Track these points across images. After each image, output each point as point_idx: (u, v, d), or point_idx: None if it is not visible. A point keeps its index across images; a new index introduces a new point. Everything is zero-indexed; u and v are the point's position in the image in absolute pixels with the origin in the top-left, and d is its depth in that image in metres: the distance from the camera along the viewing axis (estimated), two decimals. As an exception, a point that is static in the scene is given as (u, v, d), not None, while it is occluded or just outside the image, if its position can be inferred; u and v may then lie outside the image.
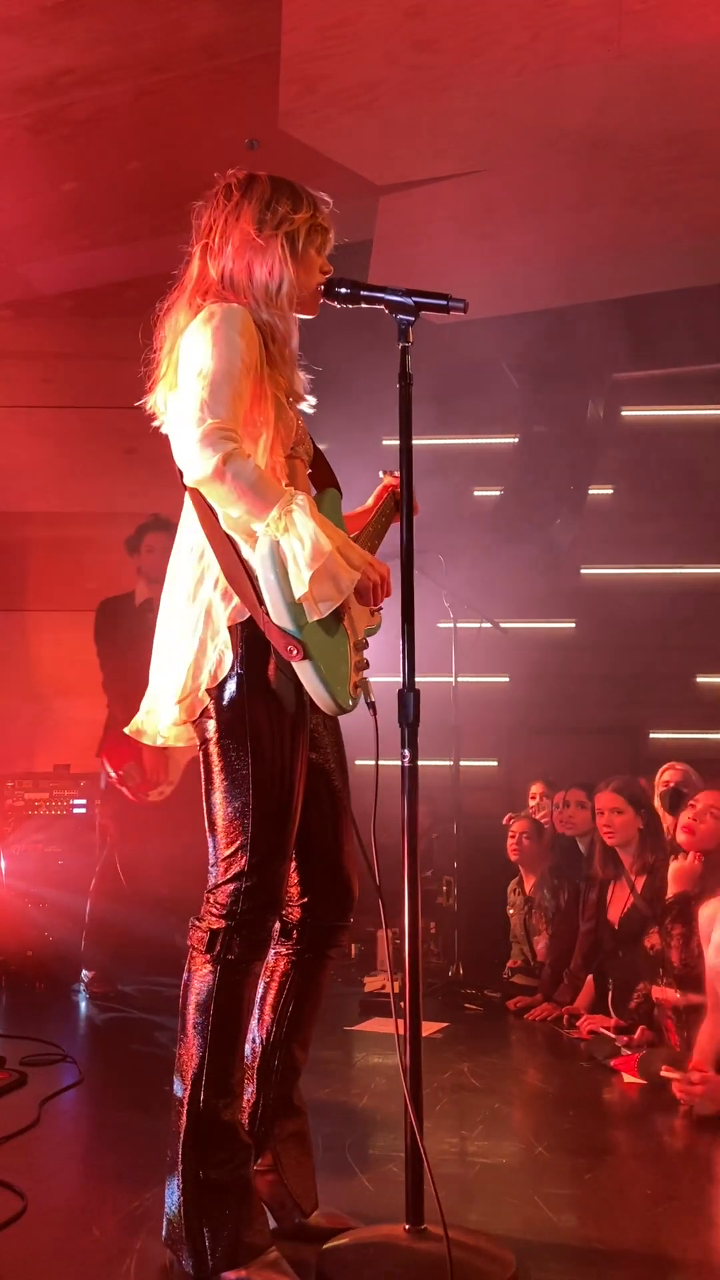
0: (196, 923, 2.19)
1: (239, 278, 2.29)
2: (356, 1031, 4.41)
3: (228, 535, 2.17)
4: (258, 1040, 2.35)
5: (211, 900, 2.18)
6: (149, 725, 2.29)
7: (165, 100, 4.90)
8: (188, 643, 2.21)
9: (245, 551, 2.15)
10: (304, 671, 2.12)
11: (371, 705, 2.26)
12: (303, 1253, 2.19)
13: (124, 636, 4.90)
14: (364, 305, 2.43)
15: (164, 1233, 2.12)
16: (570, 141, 4.98)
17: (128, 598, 5.14)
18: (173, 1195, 2.10)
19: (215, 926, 2.16)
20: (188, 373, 2.15)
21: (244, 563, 2.15)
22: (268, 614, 2.10)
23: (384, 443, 6.67)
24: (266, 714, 2.18)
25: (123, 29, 4.50)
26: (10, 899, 5.46)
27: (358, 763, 7.75)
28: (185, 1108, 2.12)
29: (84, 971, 5.05)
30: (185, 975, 2.18)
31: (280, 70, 4.62)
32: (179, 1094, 2.14)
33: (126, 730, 2.34)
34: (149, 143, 5.14)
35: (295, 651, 2.08)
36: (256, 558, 2.09)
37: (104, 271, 6.09)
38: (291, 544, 2.06)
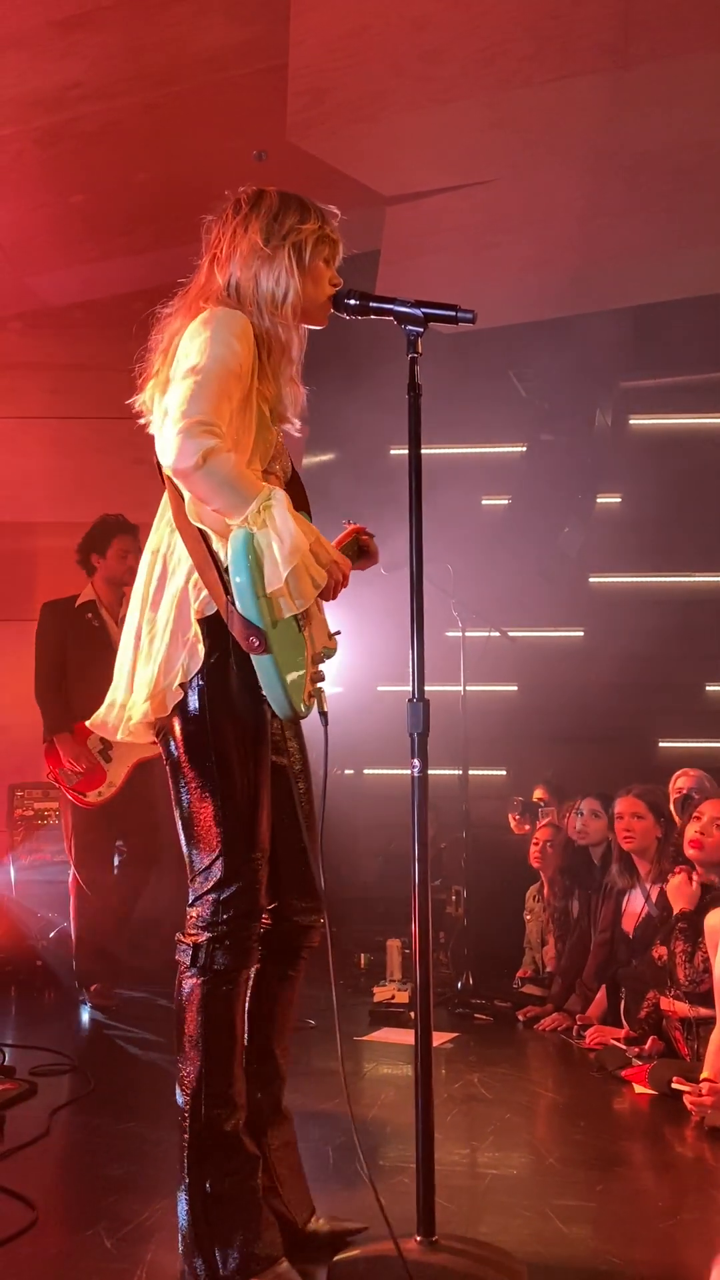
0: (181, 938, 2.18)
1: (245, 286, 2.31)
2: (366, 1041, 4.40)
3: (199, 529, 2.17)
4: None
5: (194, 914, 2.17)
6: (113, 718, 2.28)
7: (173, 113, 4.93)
8: (160, 638, 2.21)
9: (215, 545, 2.16)
10: (262, 666, 2.09)
11: (324, 715, 2.24)
12: (310, 1262, 2.19)
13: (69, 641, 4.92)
14: (372, 316, 2.44)
15: (180, 1246, 2.12)
16: (577, 151, 5.00)
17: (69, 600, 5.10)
18: (182, 1208, 2.10)
19: (199, 940, 2.15)
20: (180, 369, 2.14)
21: (214, 555, 2.15)
22: (233, 604, 2.08)
23: (392, 452, 6.69)
24: (231, 715, 2.17)
25: (131, 43, 4.53)
26: (20, 908, 5.47)
27: (366, 771, 7.73)
28: (188, 1121, 2.12)
29: (81, 989, 4.96)
30: (177, 991, 2.17)
31: (288, 82, 4.65)
32: (181, 1107, 2.13)
33: (89, 723, 2.33)
34: (157, 155, 5.17)
35: (256, 643, 2.06)
36: (230, 549, 2.07)
37: (112, 283, 6.13)
38: (269, 538, 2.06)
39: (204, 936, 2.14)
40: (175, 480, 2.12)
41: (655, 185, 5.18)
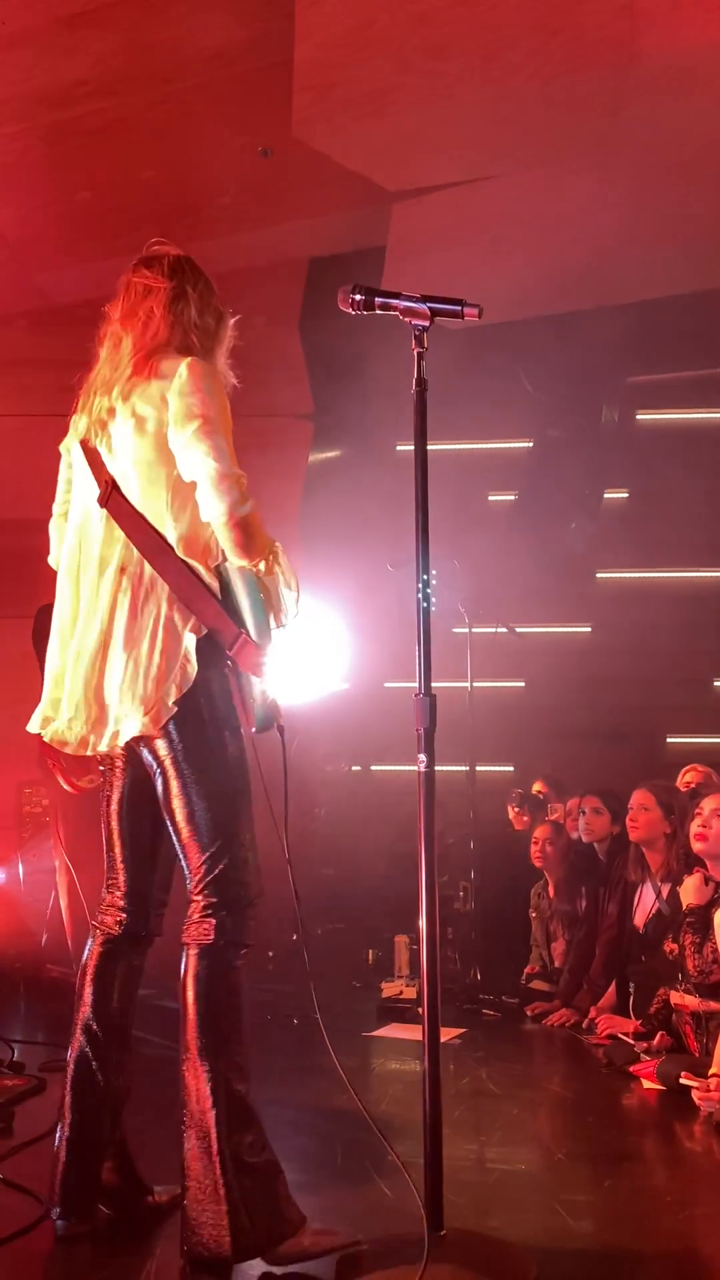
0: (194, 921, 2.29)
1: (210, 325, 2.53)
2: (374, 1037, 4.40)
3: (185, 562, 2.34)
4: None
5: (204, 898, 2.30)
6: (77, 731, 2.38)
7: (179, 109, 4.93)
8: (146, 658, 2.32)
9: (207, 579, 2.35)
10: (259, 687, 2.34)
11: (281, 729, 2.39)
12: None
13: None
14: (379, 311, 2.44)
15: (193, 1225, 2.14)
16: (583, 146, 4.99)
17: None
18: (205, 1184, 2.14)
19: (214, 920, 2.28)
20: (205, 419, 2.32)
21: (207, 585, 2.34)
22: (248, 634, 2.31)
23: (398, 448, 6.69)
24: (228, 721, 2.37)
25: (136, 39, 4.53)
26: (28, 905, 5.48)
27: (374, 768, 7.74)
28: (221, 1095, 2.20)
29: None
30: (188, 972, 2.27)
31: (293, 78, 4.64)
32: (208, 1086, 2.19)
33: (47, 739, 2.43)
34: (163, 152, 5.17)
35: (266, 669, 2.31)
36: (244, 585, 2.33)
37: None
38: (277, 582, 2.37)
39: (218, 917, 2.28)
40: (229, 527, 2.28)
41: (662, 179, 5.17)
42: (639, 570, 7.14)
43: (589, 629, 7.13)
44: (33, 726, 2.48)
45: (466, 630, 5.38)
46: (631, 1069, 3.73)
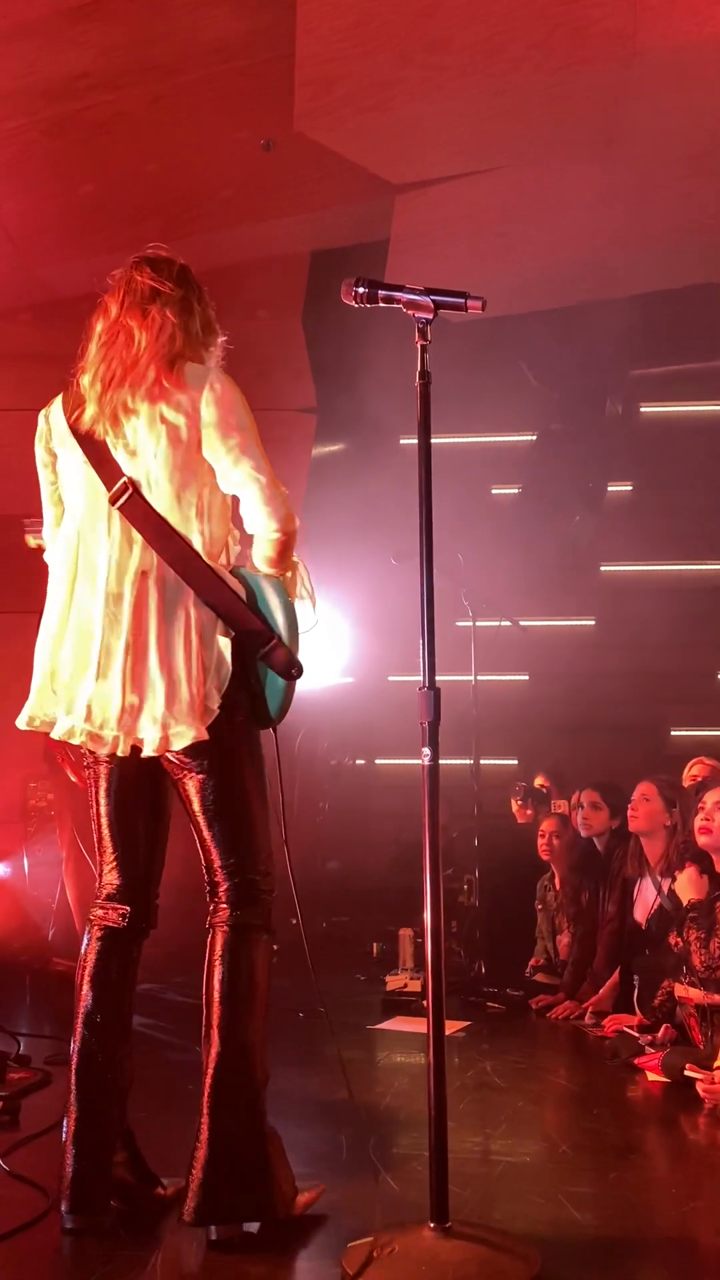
0: (248, 904, 2.44)
1: (209, 342, 2.59)
2: (378, 1030, 4.41)
3: (209, 566, 2.42)
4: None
5: (256, 883, 2.45)
6: (106, 732, 2.39)
7: (181, 103, 4.92)
8: (179, 662, 2.38)
9: (233, 581, 2.46)
10: (287, 689, 2.47)
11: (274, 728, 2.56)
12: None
13: None
14: (381, 304, 2.43)
15: (215, 1199, 2.25)
16: (585, 138, 4.97)
17: None
18: (236, 1157, 2.28)
19: (266, 903, 2.46)
20: (245, 432, 2.42)
21: (235, 591, 2.44)
22: (280, 640, 2.43)
23: (402, 442, 6.68)
24: (254, 725, 2.50)
25: (138, 32, 4.53)
26: (34, 899, 5.49)
27: (378, 762, 7.74)
28: (253, 1070, 2.36)
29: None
30: (238, 952, 2.41)
31: (295, 72, 4.64)
32: (246, 1060, 2.35)
33: (58, 736, 2.44)
34: (165, 145, 5.16)
35: (296, 672, 2.43)
36: (275, 593, 2.47)
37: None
38: (306, 587, 2.57)
39: (267, 900, 2.46)
40: (280, 537, 2.43)
41: (666, 171, 5.15)
42: (643, 563, 7.14)
43: (592, 622, 7.13)
44: (24, 722, 2.48)
45: (470, 624, 5.38)
46: (636, 1061, 3.73)
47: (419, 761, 2.30)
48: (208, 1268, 2.15)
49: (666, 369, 7.12)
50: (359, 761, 7.10)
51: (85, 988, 2.45)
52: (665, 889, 4.22)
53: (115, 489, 2.44)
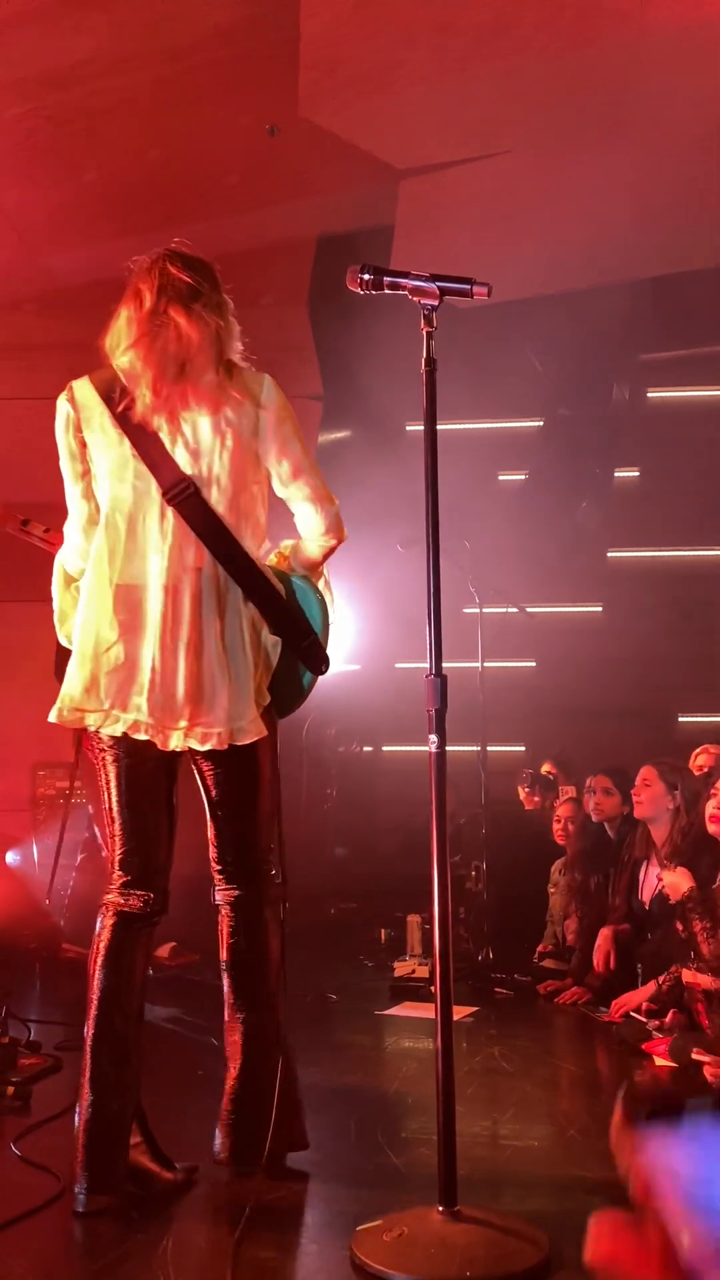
0: (262, 881, 2.58)
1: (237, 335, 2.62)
2: (386, 1016, 4.43)
3: (257, 565, 2.53)
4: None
5: (267, 863, 2.59)
6: (176, 731, 2.46)
7: (185, 88, 4.90)
8: (239, 659, 2.48)
9: (276, 582, 2.59)
10: (311, 682, 2.63)
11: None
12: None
13: None
14: (387, 291, 2.42)
15: (249, 1138, 2.45)
16: (593, 120, 4.95)
17: None
18: (264, 1110, 2.46)
19: (273, 879, 2.60)
20: (298, 436, 2.56)
21: (278, 589, 2.57)
22: (317, 638, 2.60)
23: (408, 428, 6.66)
24: (278, 711, 2.63)
25: (141, 17, 4.50)
26: (43, 886, 5.52)
27: (385, 749, 7.73)
28: (279, 1032, 2.53)
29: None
30: (266, 931, 2.56)
31: (299, 55, 4.61)
32: (273, 1022, 2.53)
33: (202, 747, 2.49)
34: (169, 131, 5.15)
35: (326, 666, 2.61)
36: (311, 592, 2.64)
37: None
38: (329, 587, 2.74)
39: (271, 879, 2.61)
40: (328, 545, 2.62)
41: (674, 153, 5.12)
42: (650, 549, 7.12)
43: (600, 608, 7.12)
44: (66, 717, 2.49)
45: (477, 610, 5.37)
46: (644, 1046, 3.74)
47: (426, 748, 2.30)
48: (219, 1251, 2.16)
49: (674, 354, 7.09)
50: (366, 749, 7.11)
51: (102, 972, 2.46)
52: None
53: (176, 487, 2.46)
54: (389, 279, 2.41)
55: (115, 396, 2.50)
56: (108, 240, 5.99)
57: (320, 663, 2.60)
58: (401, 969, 4.99)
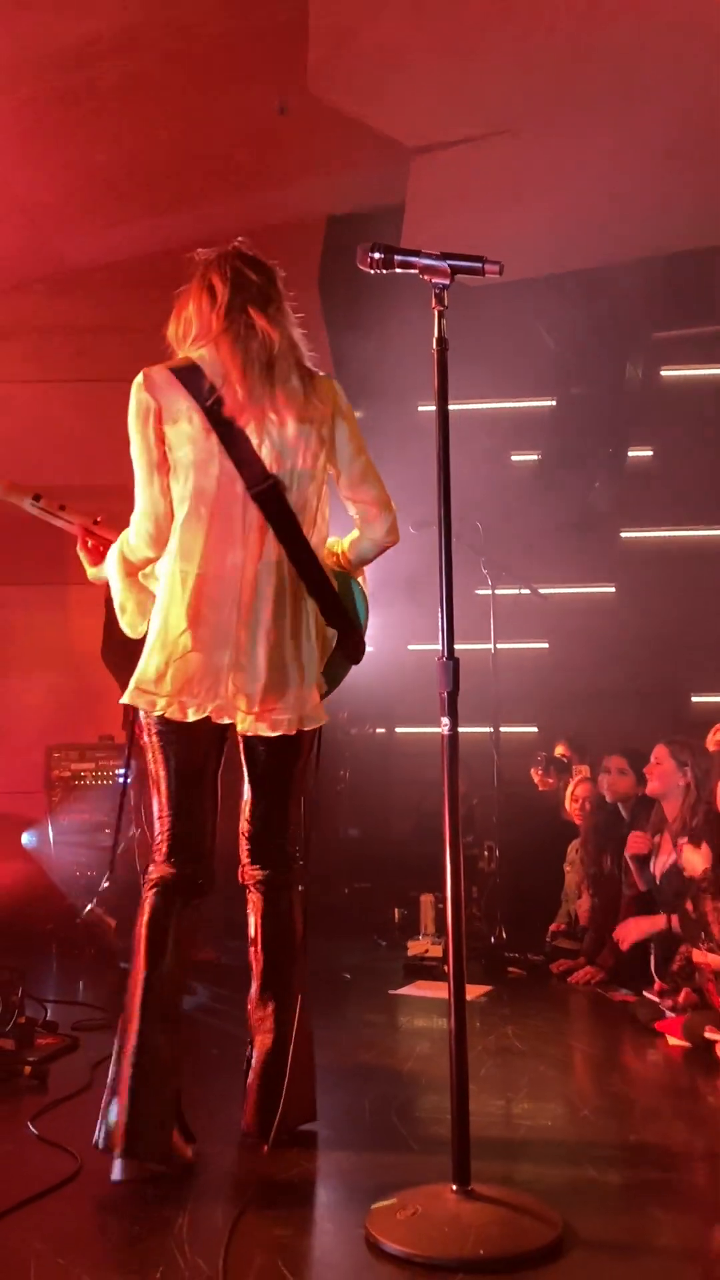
0: (292, 863, 2.70)
1: None
2: (400, 995, 4.45)
3: (320, 562, 2.65)
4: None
5: (297, 852, 2.71)
6: (248, 714, 2.57)
7: (194, 66, 4.86)
8: (306, 650, 2.61)
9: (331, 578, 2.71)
10: (345, 670, 2.78)
11: None
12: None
13: None
14: (398, 270, 2.41)
15: (273, 1112, 2.56)
16: (606, 95, 4.89)
17: None
18: (284, 1072, 2.58)
19: (300, 869, 2.72)
20: (364, 443, 2.70)
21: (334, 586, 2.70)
22: (362, 632, 2.77)
23: (420, 409, 6.64)
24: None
25: (149, -4, 4.46)
26: (59, 867, 5.55)
27: (398, 730, 7.74)
28: (297, 1000, 2.64)
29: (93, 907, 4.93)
30: (294, 911, 2.68)
31: (309, 32, 4.57)
32: (299, 1000, 2.64)
33: (274, 733, 2.59)
34: (179, 111, 5.11)
35: (362, 656, 2.77)
36: (357, 588, 2.79)
37: (136, 242, 6.08)
38: (366, 583, 2.87)
39: (298, 862, 2.73)
40: (385, 546, 2.75)
41: (688, 128, 5.06)
42: (664, 529, 7.08)
43: (613, 589, 7.09)
44: (159, 703, 2.54)
45: (489, 591, 5.36)
46: (656, 1025, 3.75)
47: (439, 730, 2.30)
48: (235, 1228, 2.18)
49: (687, 331, 7.03)
50: (379, 730, 7.11)
51: (156, 946, 2.51)
52: (680, 849, 4.23)
53: (260, 483, 2.55)
54: (399, 258, 2.40)
55: (204, 391, 2.55)
56: (119, 223, 5.98)
57: (361, 654, 2.75)
58: (415, 948, 5.01)
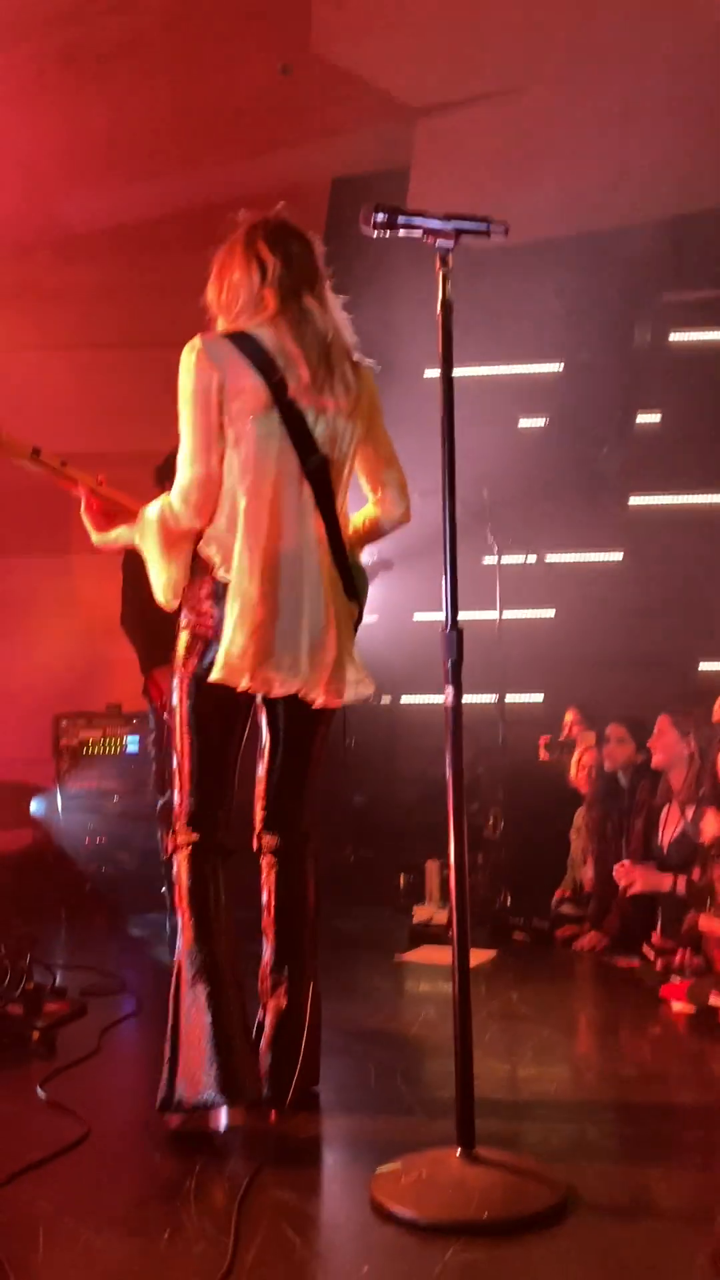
0: (306, 836, 2.76)
1: None
2: (406, 961, 4.47)
3: (345, 540, 2.71)
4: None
5: (306, 823, 2.78)
6: (310, 689, 2.62)
7: (196, 26, 4.79)
8: (347, 623, 2.68)
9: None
10: None
11: None
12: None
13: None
14: (401, 232, 2.37)
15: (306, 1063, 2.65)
16: (615, 53, 4.81)
17: None
18: (296, 1038, 2.65)
19: (310, 841, 2.80)
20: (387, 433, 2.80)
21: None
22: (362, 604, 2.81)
23: (425, 374, 6.58)
24: None
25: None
26: (69, 834, 5.59)
27: (403, 699, 7.73)
28: (310, 968, 2.73)
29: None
30: (306, 877, 2.75)
31: (312, -11, 4.50)
32: (312, 966, 2.73)
33: (339, 701, 2.66)
34: (181, 71, 5.04)
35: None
36: (362, 568, 2.85)
37: (138, 206, 6.02)
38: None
39: (311, 832, 2.80)
40: (397, 527, 2.85)
41: (698, 87, 4.98)
42: (672, 495, 7.02)
43: (620, 556, 7.04)
44: (241, 679, 2.55)
45: (495, 559, 5.33)
46: (661, 991, 3.77)
47: (443, 699, 2.30)
48: (242, 1191, 2.20)
49: (697, 294, 6.93)
50: (384, 699, 7.11)
51: (204, 905, 2.58)
52: (689, 816, 4.25)
53: (315, 463, 2.60)
54: (403, 220, 2.36)
55: (268, 367, 2.56)
56: (121, 186, 5.91)
57: (356, 628, 2.80)
58: (421, 914, 5.04)
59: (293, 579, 2.58)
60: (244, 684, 2.54)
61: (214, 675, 2.53)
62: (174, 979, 2.56)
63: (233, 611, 2.54)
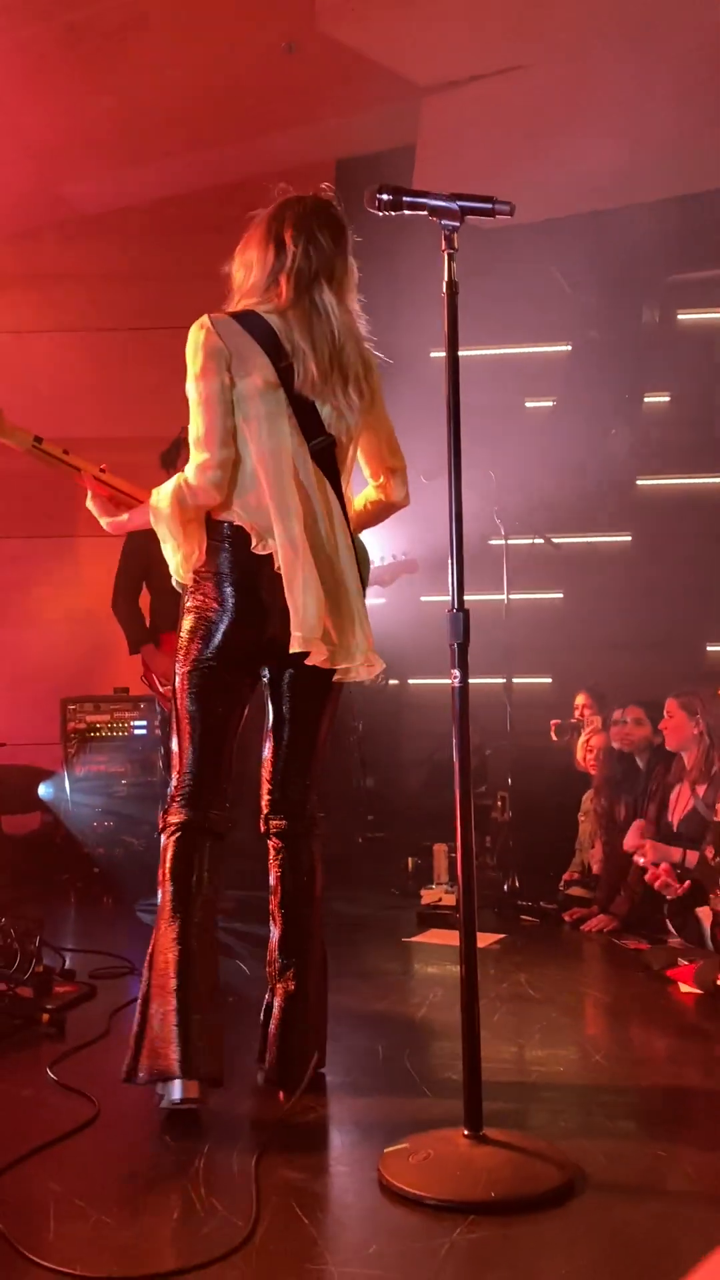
0: (314, 820, 2.76)
1: None
2: (414, 943, 4.49)
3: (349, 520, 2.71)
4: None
5: (314, 802, 2.77)
6: (351, 665, 2.65)
7: (200, 6, 4.75)
8: (361, 599, 2.66)
9: None
10: None
11: None
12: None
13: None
14: (407, 212, 2.36)
15: (295, 1063, 2.62)
16: (623, 30, 4.76)
17: None
18: (312, 1035, 2.69)
19: (320, 817, 2.81)
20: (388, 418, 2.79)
21: None
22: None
23: (431, 355, 6.55)
24: None
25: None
26: (77, 818, 5.60)
27: (410, 681, 7.73)
28: (317, 948, 2.74)
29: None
30: (317, 859, 2.76)
31: (316, -35, 4.45)
32: (320, 949, 2.75)
33: (368, 677, 2.68)
34: (186, 51, 5.00)
35: None
36: (364, 549, 2.85)
37: (146, 187, 5.99)
38: None
39: (318, 814, 2.80)
40: (398, 509, 2.86)
41: (705, 66, 4.92)
42: (681, 476, 6.99)
43: (629, 537, 7.02)
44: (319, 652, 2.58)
45: (502, 541, 5.32)
46: (669, 973, 3.78)
47: (450, 682, 2.29)
48: (249, 1173, 2.21)
49: (705, 274, 6.89)
50: (392, 681, 7.11)
51: (178, 884, 2.57)
52: (701, 793, 4.27)
53: (319, 441, 2.61)
54: (408, 199, 2.34)
55: (276, 351, 2.56)
56: (127, 166, 5.88)
57: None
58: (429, 897, 5.05)
59: (329, 557, 2.61)
60: (318, 658, 2.55)
61: (293, 647, 2.52)
62: (148, 954, 2.57)
63: (294, 585, 2.53)
